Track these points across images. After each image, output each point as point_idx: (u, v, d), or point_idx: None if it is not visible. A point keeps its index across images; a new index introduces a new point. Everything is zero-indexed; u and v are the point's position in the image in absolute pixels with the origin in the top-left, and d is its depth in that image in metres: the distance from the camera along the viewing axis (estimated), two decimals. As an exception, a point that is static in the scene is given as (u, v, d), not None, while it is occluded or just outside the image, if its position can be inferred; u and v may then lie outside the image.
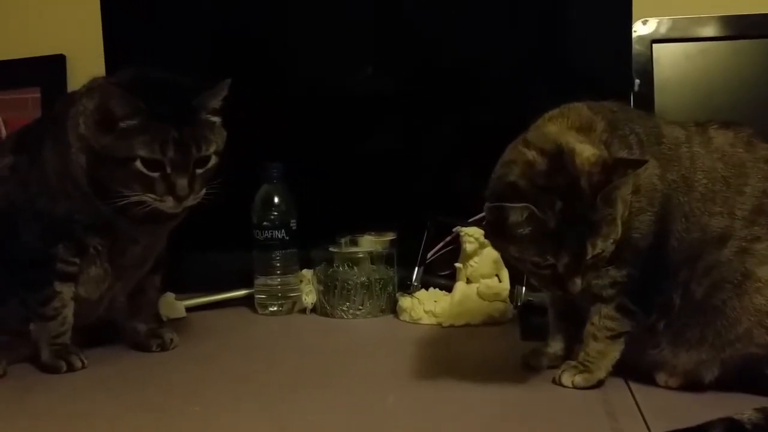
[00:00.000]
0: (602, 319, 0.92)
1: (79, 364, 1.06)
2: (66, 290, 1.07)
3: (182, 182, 0.98)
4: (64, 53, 1.87)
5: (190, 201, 1.00)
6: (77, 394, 0.99)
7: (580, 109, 0.94)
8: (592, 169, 0.84)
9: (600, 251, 0.85)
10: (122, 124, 0.96)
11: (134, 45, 1.62)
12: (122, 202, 0.99)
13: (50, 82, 1.87)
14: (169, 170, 0.97)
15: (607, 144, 0.89)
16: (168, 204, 0.99)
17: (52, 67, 1.86)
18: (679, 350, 0.90)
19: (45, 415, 0.91)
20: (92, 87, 1.05)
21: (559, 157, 0.85)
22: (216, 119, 1.04)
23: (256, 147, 1.41)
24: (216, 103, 1.04)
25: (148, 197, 0.98)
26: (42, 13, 1.90)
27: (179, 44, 1.60)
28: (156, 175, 0.97)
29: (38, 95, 1.88)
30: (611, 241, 0.86)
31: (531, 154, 0.87)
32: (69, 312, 1.08)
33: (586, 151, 0.86)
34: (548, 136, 0.89)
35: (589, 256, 0.84)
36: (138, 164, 0.96)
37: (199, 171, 1.00)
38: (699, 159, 0.91)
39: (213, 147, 1.01)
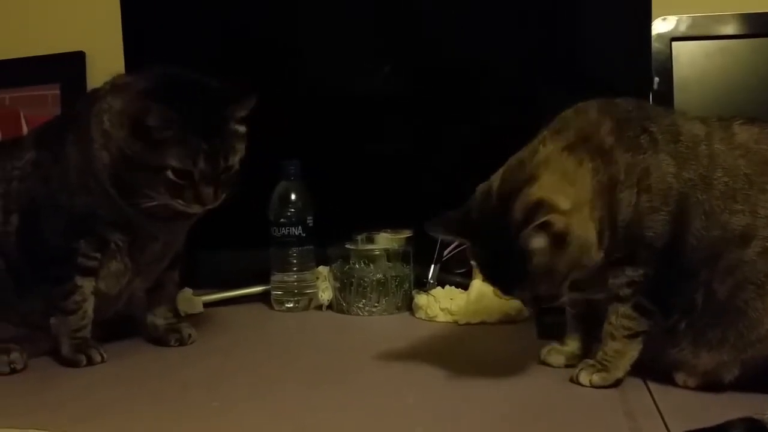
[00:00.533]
0: (619, 318, 0.92)
1: (98, 358, 1.07)
2: (87, 285, 1.08)
3: (208, 190, 1.01)
4: (83, 50, 1.88)
5: (214, 205, 1.04)
6: (96, 388, 0.99)
7: (589, 111, 0.94)
8: (519, 216, 0.86)
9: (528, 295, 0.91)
10: (156, 135, 0.98)
11: (153, 42, 1.63)
12: (147, 204, 1.02)
13: (70, 79, 1.88)
14: (197, 179, 1.00)
15: (607, 149, 0.90)
16: (193, 209, 1.03)
17: (72, 63, 1.88)
18: (699, 350, 0.89)
19: (64, 408, 0.92)
20: (117, 85, 1.06)
21: (507, 200, 0.88)
22: (242, 128, 1.06)
23: (273, 144, 1.41)
24: (243, 113, 1.06)
25: (175, 203, 1.02)
26: (61, 11, 1.91)
27: (197, 42, 1.60)
28: (184, 182, 1.00)
29: (58, 92, 1.90)
30: (544, 287, 0.89)
31: (495, 185, 0.92)
32: (89, 306, 1.09)
33: (531, 195, 0.86)
34: (524, 166, 0.91)
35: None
36: (168, 173, 0.99)
37: (223, 177, 1.03)
38: (719, 157, 0.90)
39: (238, 155, 1.05)
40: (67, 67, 1.88)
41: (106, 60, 1.83)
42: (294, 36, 1.58)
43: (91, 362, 1.07)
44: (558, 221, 0.85)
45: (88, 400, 0.95)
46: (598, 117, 0.93)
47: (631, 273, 0.90)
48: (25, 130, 1.65)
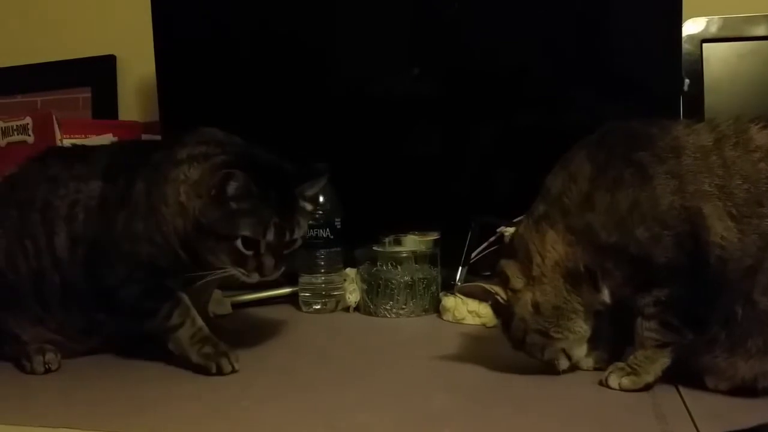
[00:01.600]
0: (645, 330, 0.91)
1: (229, 368, 1.04)
2: (184, 297, 1.07)
3: (270, 262, 1.03)
4: (114, 54, 1.91)
5: (273, 276, 1.05)
6: (128, 388, 1.01)
7: (574, 161, 0.95)
8: None
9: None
10: (233, 205, 1.00)
11: (183, 45, 1.65)
12: (209, 275, 1.04)
13: (101, 82, 1.92)
14: (262, 251, 1.02)
15: (585, 196, 0.92)
16: (252, 279, 1.04)
17: (103, 67, 1.91)
18: (736, 359, 0.87)
19: (96, 407, 0.93)
20: (193, 155, 1.06)
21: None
22: (309, 206, 1.10)
23: (301, 146, 1.41)
24: (312, 192, 1.10)
25: (237, 271, 1.03)
26: (93, 15, 1.95)
27: (228, 45, 1.62)
28: (250, 253, 1.02)
29: (89, 95, 1.93)
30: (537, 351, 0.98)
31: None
32: (194, 314, 1.07)
33: (500, 266, 0.99)
34: (512, 239, 1.01)
35: None
36: (238, 242, 1.01)
37: (285, 252, 1.05)
38: (735, 164, 0.87)
39: (302, 231, 1.07)
40: (99, 70, 1.91)
41: (136, 64, 1.86)
42: (323, 38, 1.59)
43: (221, 371, 1.04)
44: (500, 294, 0.98)
45: (120, 400, 0.96)
46: (578, 166, 0.94)
47: (657, 293, 0.89)
48: (57, 133, 1.67)
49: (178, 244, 1.05)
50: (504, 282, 0.98)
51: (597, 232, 0.91)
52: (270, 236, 1.02)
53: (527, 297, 0.96)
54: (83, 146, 1.30)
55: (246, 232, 1.01)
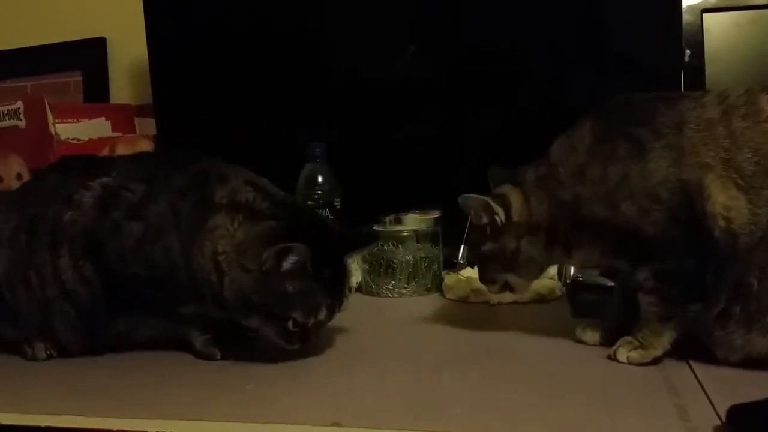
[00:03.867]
0: (646, 305, 0.91)
1: (217, 355, 1.03)
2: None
3: (314, 337, 1.00)
4: (105, 36, 1.88)
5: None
6: (133, 374, 0.99)
7: (578, 130, 0.96)
8: None
9: None
10: (288, 286, 0.94)
11: (175, 27, 1.62)
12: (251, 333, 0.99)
13: (91, 65, 1.89)
14: (310, 327, 0.98)
15: (579, 166, 0.93)
16: (292, 348, 0.99)
17: (94, 50, 1.89)
18: (753, 336, 0.86)
19: (100, 393, 0.92)
20: (237, 205, 0.98)
21: None
22: (350, 265, 1.05)
23: (300, 126, 1.40)
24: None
25: (279, 342, 0.98)
26: (82, -3, 1.92)
27: (220, 27, 1.60)
28: (296, 329, 0.97)
29: (80, 78, 1.91)
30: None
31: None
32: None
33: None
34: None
35: None
36: (289, 324, 0.96)
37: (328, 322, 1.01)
38: (743, 135, 0.86)
39: (347, 299, 1.02)
40: (89, 53, 1.89)
41: (127, 46, 1.84)
42: (320, 18, 1.57)
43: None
44: (500, 217, 1.00)
45: (121, 386, 0.94)
46: (580, 137, 0.95)
47: (654, 267, 0.89)
48: (49, 117, 1.64)
49: (210, 296, 0.98)
50: (506, 207, 1.00)
51: (582, 203, 0.92)
52: (321, 316, 0.98)
53: (512, 242, 1.00)
54: (107, 158, 1.20)
55: (298, 316, 0.96)
